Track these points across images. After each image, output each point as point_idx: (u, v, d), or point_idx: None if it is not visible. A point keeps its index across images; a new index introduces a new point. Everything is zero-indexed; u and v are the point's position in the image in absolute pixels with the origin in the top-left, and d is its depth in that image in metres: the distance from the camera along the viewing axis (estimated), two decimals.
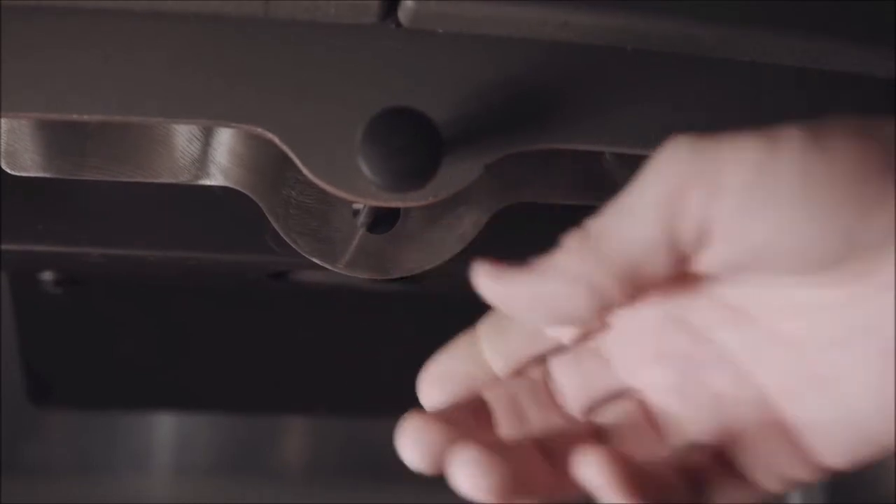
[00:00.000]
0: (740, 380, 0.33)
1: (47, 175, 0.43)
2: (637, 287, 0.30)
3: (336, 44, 0.37)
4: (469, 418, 0.34)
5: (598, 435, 0.34)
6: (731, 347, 0.33)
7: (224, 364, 0.77)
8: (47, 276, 0.59)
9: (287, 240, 0.44)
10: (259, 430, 0.98)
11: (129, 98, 0.36)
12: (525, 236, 0.49)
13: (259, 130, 0.36)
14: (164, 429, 0.97)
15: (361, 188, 0.36)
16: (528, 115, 0.37)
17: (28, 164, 0.43)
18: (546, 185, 0.46)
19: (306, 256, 0.44)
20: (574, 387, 0.36)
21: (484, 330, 0.36)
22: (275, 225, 0.43)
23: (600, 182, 0.46)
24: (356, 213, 0.44)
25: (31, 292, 0.66)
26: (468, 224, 0.44)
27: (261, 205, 0.43)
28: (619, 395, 0.35)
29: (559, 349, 0.36)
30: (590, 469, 0.29)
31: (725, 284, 0.32)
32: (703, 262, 0.30)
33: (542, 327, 0.35)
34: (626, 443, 0.33)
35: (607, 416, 0.35)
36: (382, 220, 0.44)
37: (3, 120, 0.42)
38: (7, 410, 0.86)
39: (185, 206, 0.47)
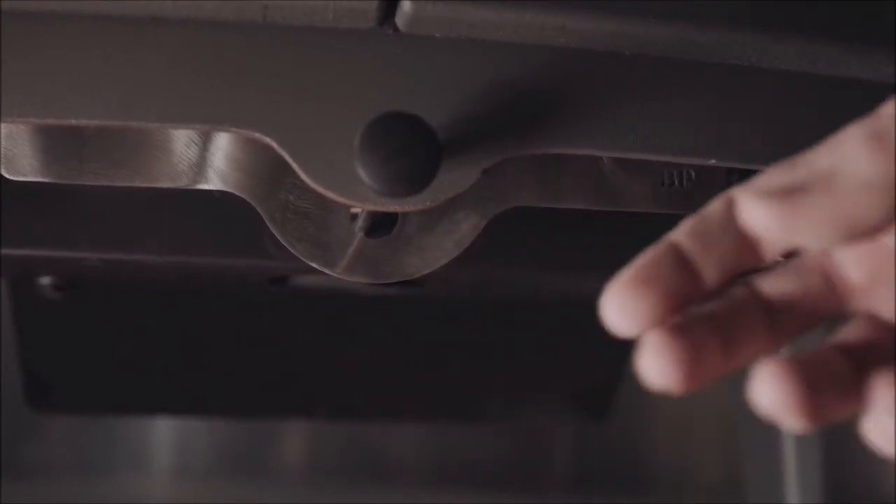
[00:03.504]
0: None
1: (46, 180, 0.43)
2: None
3: (334, 48, 0.37)
4: (702, 335, 0.30)
5: (847, 358, 0.31)
6: None
7: (224, 368, 0.77)
8: (46, 280, 0.59)
9: (285, 244, 0.44)
10: (258, 432, 0.99)
11: (127, 103, 0.36)
12: (523, 241, 0.49)
13: (257, 135, 0.36)
14: (164, 430, 0.97)
15: (359, 193, 0.36)
16: (525, 119, 0.37)
17: (27, 169, 0.43)
18: (543, 190, 0.45)
19: (304, 261, 0.44)
20: (793, 309, 0.32)
21: (684, 240, 0.31)
22: (273, 230, 0.43)
23: (598, 186, 0.46)
24: (354, 217, 0.44)
25: (30, 297, 0.66)
26: (466, 228, 0.44)
27: (259, 209, 0.43)
28: (838, 319, 0.33)
29: (772, 264, 0.32)
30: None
31: None
32: None
33: (812, 246, 0.30)
34: (875, 368, 0.30)
35: (849, 338, 0.32)
36: (380, 224, 0.44)
37: (1, 125, 0.42)
38: (7, 412, 0.87)
39: (183, 211, 0.47)
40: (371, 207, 0.38)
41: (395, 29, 0.37)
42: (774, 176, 0.30)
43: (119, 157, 0.44)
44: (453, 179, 0.37)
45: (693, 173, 0.47)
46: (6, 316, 0.73)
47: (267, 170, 0.43)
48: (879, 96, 0.40)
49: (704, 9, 0.37)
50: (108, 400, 0.80)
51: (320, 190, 0.37)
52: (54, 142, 0.43)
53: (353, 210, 0.44)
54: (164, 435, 0.97)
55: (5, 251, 0.46)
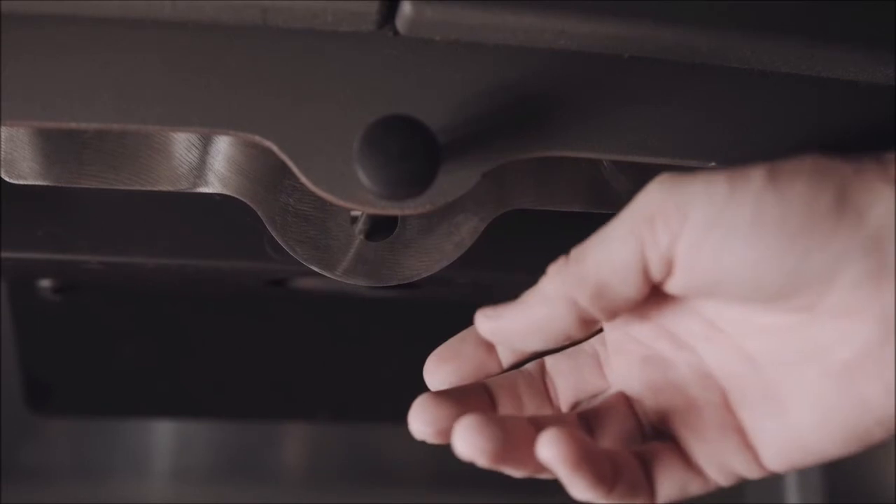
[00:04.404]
0: (708, 384, 0.37)
1: (45, 183, 0.43)
2: (613, 305, 0.34)
3: (334, 52, 0.37)
4: (473, 398, 0.38)
5: (583, 421, 0.38)
6: (705, 357, 0.37)
7: (224, 370, 0.77)
8: (46, 283, 0.59)
9: (285, 247, 0.44)
10: (258, 434, 0.98)
11: (126, 106, 0.36)
12: (522, 244, 0.49)
13: (257, 138, 0.36)
14: (163, 432, 0.97)
15: (359, 196, 0.36)
16: (525, 122, 0.37)
17: (26, 172, 0.43)
18: (543, 193, 0.46)
19: (304, 264, 0.44)
20: (566, 383, 0.40)
21: None
22: (273, 232, 0.43)
23: (597, 189, 0.46)
24: (354, 220, 0.44)
25: (29, 299, 0.66)
26: (466, 231, 0.44)
27: (259, 212, 0.43)
28: (603, 392, 0.40)
29: (558, 349, 0.39)
30: (546, 448, 0.32)
31: (700, 302, 0.36)
32: (670, 287, 0.34)
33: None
34: (604, 429, 0.38)
35: (592, 405, 0.39)
36: (380, 227, 0.44)
37: (1, 128, 0.42)
38: (7, 414, 0.87)
39: (183, 214, 0.47)
40: (371, 211, 0.38)
41: (395, 32, 0.37)
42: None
43: (119, 160, 0.44)
44: (453, 182, 0.37)
45: None
46: (6, 318, 0.73)
47: (267, 173, 0.43)
48: (879, 98, 0.40)
49: (703, 11, 0.37)
50: (107, 402, 0.80)
51: (320, 193, 0.37)
52: (54, 145, 0.43)
53: (353, 213, 0.44)
54: (163, 437, 0.97)
55: (5, 254, 0.46)
